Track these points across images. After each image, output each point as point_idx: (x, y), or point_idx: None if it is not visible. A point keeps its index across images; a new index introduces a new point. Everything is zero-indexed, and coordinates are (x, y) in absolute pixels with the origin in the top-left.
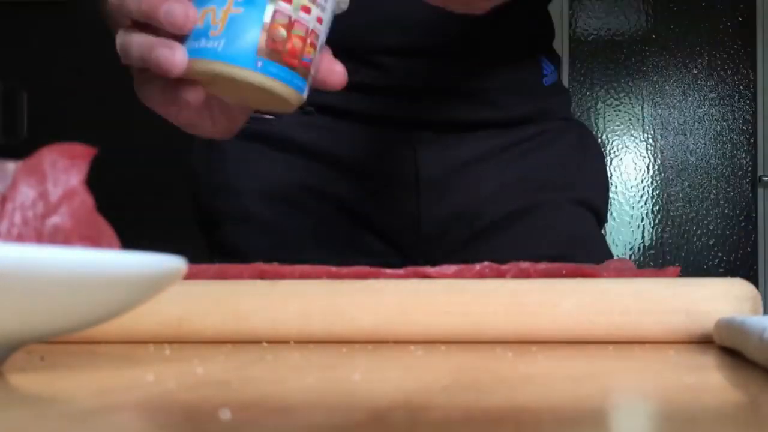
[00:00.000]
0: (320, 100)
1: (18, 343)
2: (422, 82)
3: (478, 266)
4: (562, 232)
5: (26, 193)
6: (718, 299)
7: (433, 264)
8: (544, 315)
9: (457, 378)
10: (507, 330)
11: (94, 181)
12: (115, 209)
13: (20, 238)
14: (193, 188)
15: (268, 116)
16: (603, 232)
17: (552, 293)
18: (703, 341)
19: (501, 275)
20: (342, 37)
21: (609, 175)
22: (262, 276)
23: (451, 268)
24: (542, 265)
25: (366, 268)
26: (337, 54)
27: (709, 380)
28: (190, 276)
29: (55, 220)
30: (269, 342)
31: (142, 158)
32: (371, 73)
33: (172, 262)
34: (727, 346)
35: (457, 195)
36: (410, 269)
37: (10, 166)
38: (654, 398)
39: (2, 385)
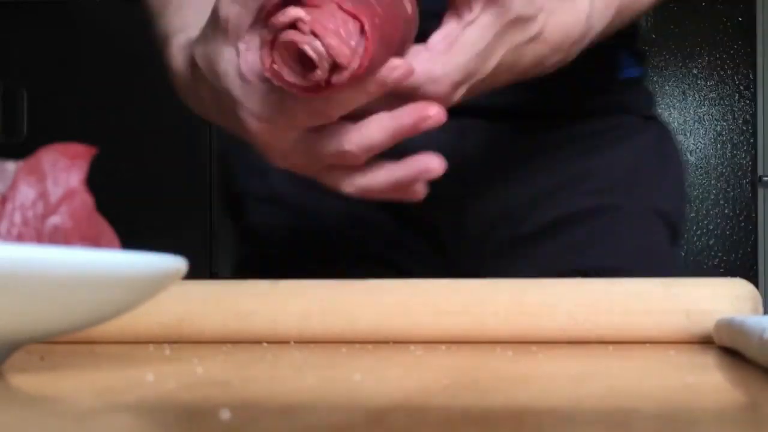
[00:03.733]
0: None
1: (18, 343)
2: None
3: None
4: (626, 241)
5: (26, 193)
6: (718, 299)
7: (476, 267)
8: (544, 315)
9: (457, 378)
10: (507, 330)
11: (94, 181)
12: (115, 209)
13: (20, 238)
14: (224, 169)
15: None
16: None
17: (552, 293)
18: (703, 341)
19: None
20: None
21: None
22: None
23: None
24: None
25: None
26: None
27: (709, 380)
28: None
29: (55, 220)
30: (269, 342)
31: (143, 158)
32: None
33: (172, 262)
34: (727, 346)
35: (504, 191)
36: None
37: (10, 166)
38: (654, 398)
39: (2, 385)
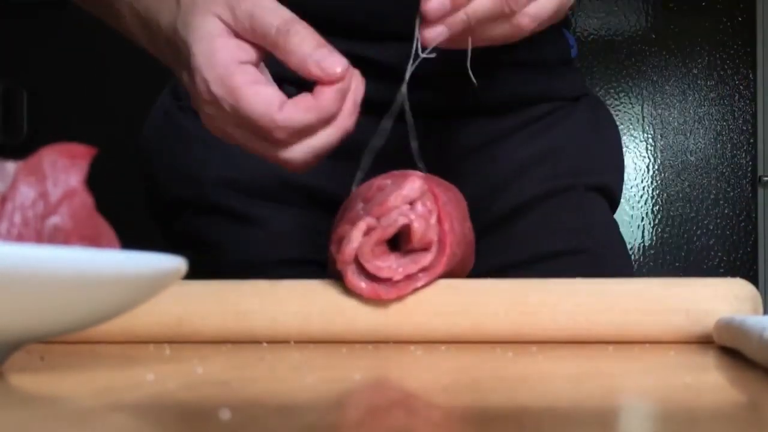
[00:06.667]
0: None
1: (18, 343)
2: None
3: None
4: (578, 222)
5: (26, 193)
6: (718, 299)
7: None
8: (544, 315)
9: (457, 378)
10: (507, 330)
11: (94, 181)
12: (115, 209)
13: (20, 238)
14: (147, 172)
15: None
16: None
17: (552, 293)
18: (703, 341)
19: None
20: (351, 13)
21: None
22: None
23: None
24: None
25: None
26: (342, 29)
27: (709, 380)
28: None
29: (55, 220)
30: (269, 342)
31: None
32: (376, 50)
33: (172, 262)
34: (727, 346)
35: (466, 185)
36: None
37: (10, 166)
38: (654, 398)
39: (2, 385)
